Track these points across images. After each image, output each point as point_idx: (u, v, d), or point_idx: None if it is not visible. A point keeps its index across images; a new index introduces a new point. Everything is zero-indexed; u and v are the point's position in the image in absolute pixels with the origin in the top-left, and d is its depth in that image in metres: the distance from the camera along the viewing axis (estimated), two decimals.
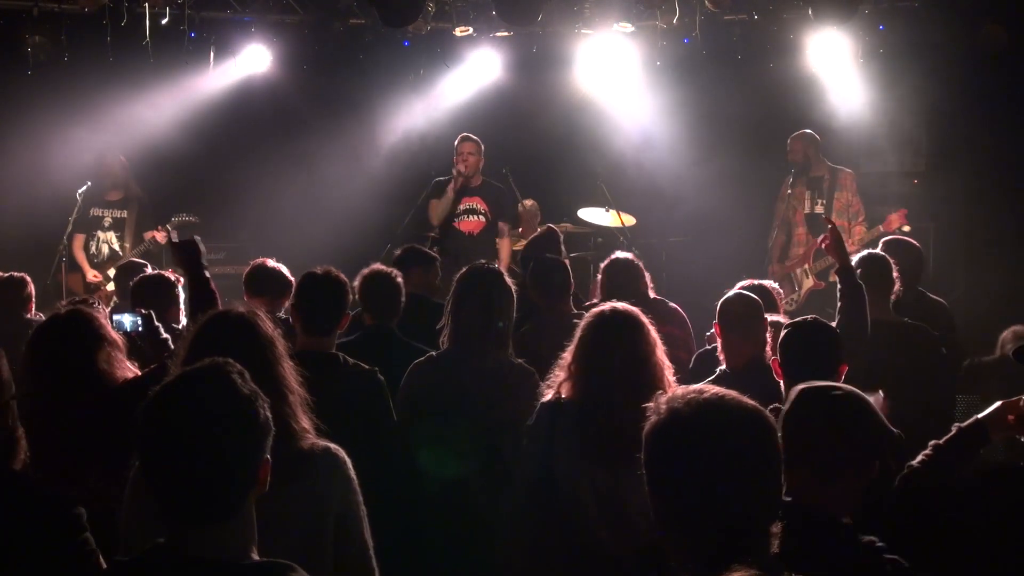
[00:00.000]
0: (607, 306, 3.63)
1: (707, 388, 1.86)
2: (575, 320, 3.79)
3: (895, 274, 5.00)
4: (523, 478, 3.54)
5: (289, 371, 2.73)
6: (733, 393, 1.86)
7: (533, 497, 3.48)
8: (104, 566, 2.37)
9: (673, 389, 3.48)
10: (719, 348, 4.27)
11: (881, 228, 7.88)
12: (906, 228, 7.60)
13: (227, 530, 1.93)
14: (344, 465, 2.73)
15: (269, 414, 1.98)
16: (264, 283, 5.35)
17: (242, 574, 1.92)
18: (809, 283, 8.19)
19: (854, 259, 5.02)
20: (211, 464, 1.89)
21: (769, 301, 4.76)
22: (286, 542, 2.56)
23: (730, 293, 4.35)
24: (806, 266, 8.16)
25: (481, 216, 8.05)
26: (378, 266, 4.90)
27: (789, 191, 8.34)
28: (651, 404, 1.91)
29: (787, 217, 8.45)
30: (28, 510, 2.33)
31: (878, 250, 5.26)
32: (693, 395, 1.85)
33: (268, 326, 2.78)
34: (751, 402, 1.86)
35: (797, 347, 3.49)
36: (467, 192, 7.97)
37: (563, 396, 3.51)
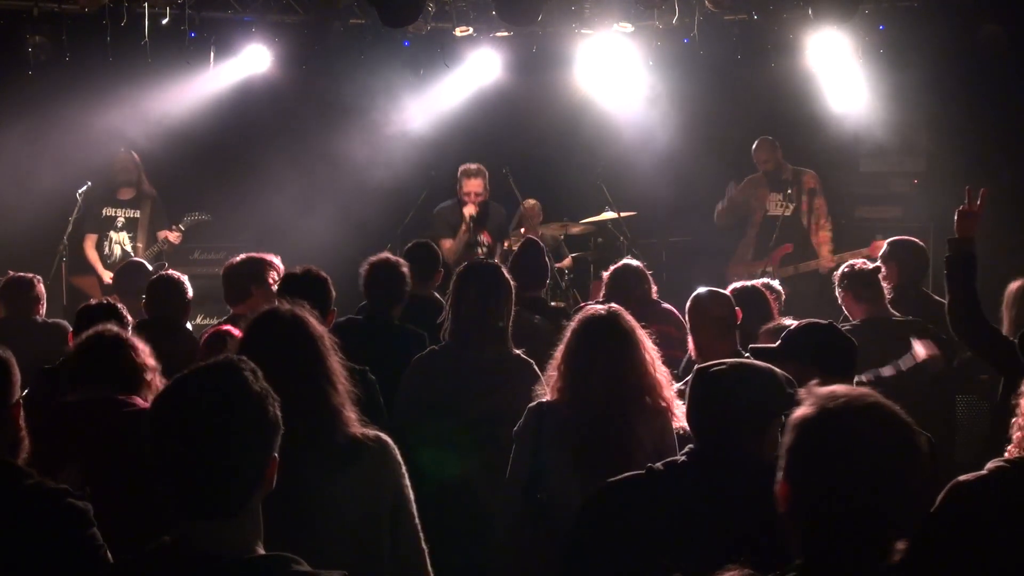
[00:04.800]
0: (594, 309, 3.63)
1: (868, 392, 1.88)
2: None
3: (871, 267, 5.24)
4: (512, 482, 3.55)
5: (338, 364, 2.84)
6: (890, 403, 1.88)
7: (523, 500, 3.50)
8: (111, 561, 2.39)
9: (668, 394, 3.51)
10: (690, 344, 4.27)
11: (867, 252, 7.93)
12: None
13: (232, 526, 1.93)
14: (394, 451, 2.83)
15: (279, 412, 1.98)
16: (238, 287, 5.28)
17: (245, 568, 1.91)
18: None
19: (835, 275, 5.32)
20: (217, 460, 1.89)
21: (762, 303, 4.74)
22: (343, 528, 2.67)
23: (700, 291, 4.32)
24: (768, 268, 8.14)
25: (484, 248, 8.15)
26: (385, 255, 5.12)
27: (751, 191, 8.59)
28: (803, 391, 1.95)
29: (741, 216, 8.64)
30: (36, 505, 2.34)
31: (881, 252, 5.52)
32: (853, 395, 1.86)
33: (316, 322, 2.88)
34: (906, 417, 1.87)
35: (837, 350, 3.46)
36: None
37: (550, 399, 3.54)
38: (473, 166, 8.05)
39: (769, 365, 2.80)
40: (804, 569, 1.85)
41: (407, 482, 2.84)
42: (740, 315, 4.28)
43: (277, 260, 5.22)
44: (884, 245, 5.82)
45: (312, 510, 2.62)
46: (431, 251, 5.87)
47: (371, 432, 2.80)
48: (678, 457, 2.71)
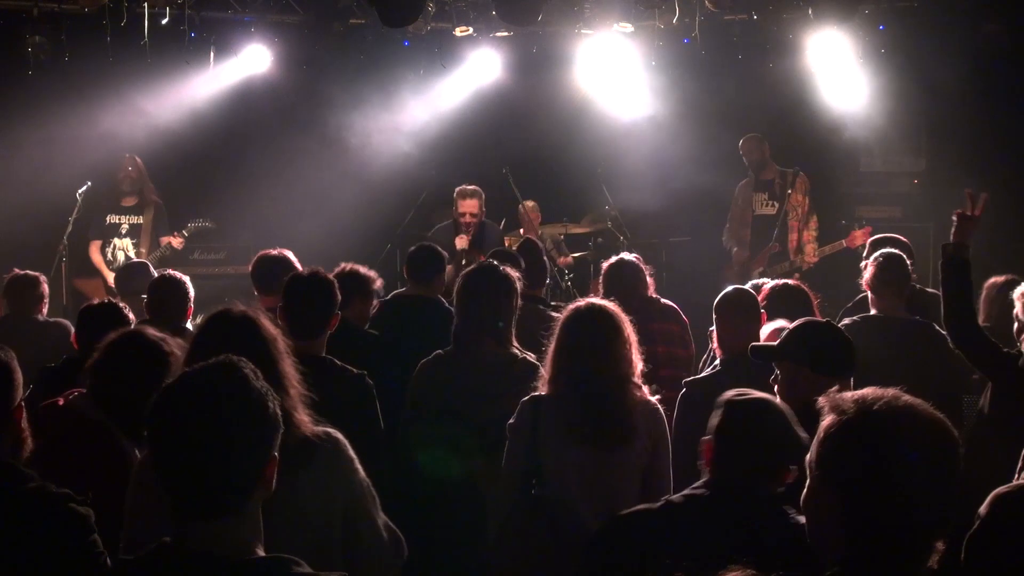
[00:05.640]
0: (577, 304, 3.69)
1: (897, 393, 1.87)
2: None
3: (905, 270, 5.10)
4: (507, 475, 3.57)
5: (290, 367, 2.84)
6: (923, 402, 1.88)
7: (520, 490, 3.51)
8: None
9: (641, 383, 3.54)
10: (715, 339, 4.34)
11: (844, 243, 7.94)
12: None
13: (232, 526, 1.93)
14: (345, 446, 2.85)
15: (279, 411, 2.00)
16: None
17: (247, 570, 1.91)
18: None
19: (867, 266, 5.17)
20: (219, 458, 1.89)
21: (805, 301, 4.72)
22: (302, 528, 2.69)
23: (728, 288, 4.40)
24: (760, 269, 8.14)
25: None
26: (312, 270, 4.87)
27: (742, 195, 8.59)
28: (824, 399, 1.93)
29: (734, 218, 8.64)
30: (38, 509, 2.33)
31: (890, 249, 5.31)
32: (887, 396, 1.86)
33: (269, 324, 2.89)
34: (940, 414, 1.87)
35: (832, 349, 3.46)
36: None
37: (543, 392, 3.57)
38: (469, 187, 7.92)
39: (781, 403, 2.80)
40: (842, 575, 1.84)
41: (362, 475, 2.87)
42: (764, 318, 4.31)
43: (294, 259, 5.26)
44: (868, 243, 5.81)
45: (270, 513, 2.61)
46: (431, 254, 5.79)
47: (320, 430, 2.81)
48: (696, 490, 2.71)
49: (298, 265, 5.20)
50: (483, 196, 7.93)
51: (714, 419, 2.75)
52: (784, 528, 2.51)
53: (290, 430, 2.68)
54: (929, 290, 5.88)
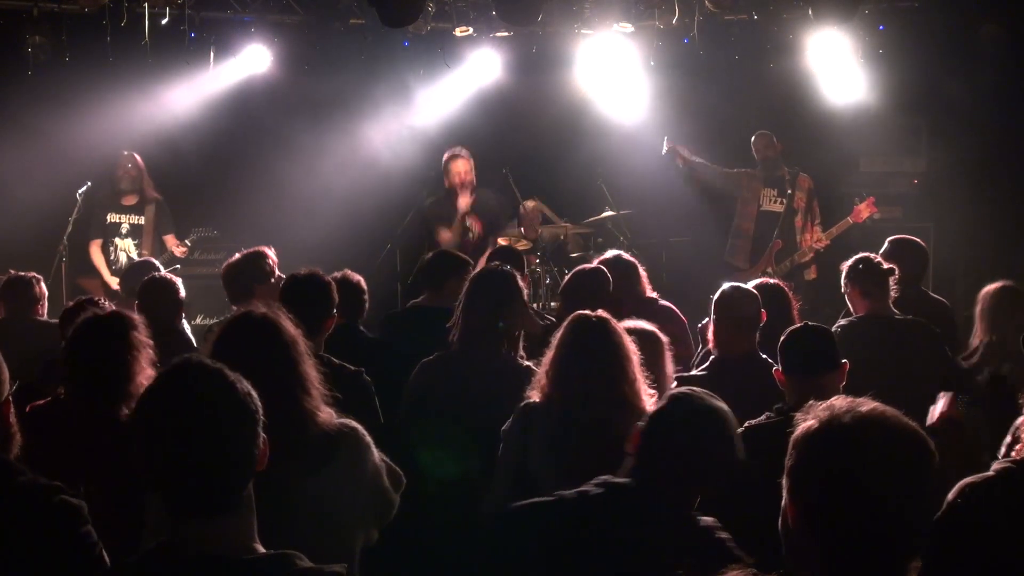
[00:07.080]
0: (581, 314, 3.60)
1: (867, 402, 1.84)
2: None
3: (886, 267, 5.04)
4: (498, 482, 3.55)
5: (311, 368, 2.85)
6: (894, 411, 1.84)
7: (514, 493, 3.49)
8: (107, 559, 2.38)
9: (644, 402, 3.48)
10: (710, 337, 4.31)
11: (850, 220, 7.93)
12: (876, 216, 7.71)
13: (230, 523, 1.92)
14: (363, 434, 2.89)
15: (257, 395, 1.99)
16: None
17: (248, 568, 1.90)
18: None
19: (845, 265, 5.14)
20: (217, 456, 1.89)
21: (784, 301, 4.70)
22: (326, 522, 2.72)
23: (727, 286, 4.34)
24: (768, 269, 8.12)
25: (473, 235, 8.06)
26: (347, 271, 4.95)
27: (746, 183, 8.53)
28: (798, 416, 1.90)
29: (711, 192, 8.67)
30: (29, 501, 2.33)
31: (881, 251, 5.34)
32: (856, 406, 1.82)
33: (290, 326, 2.88)
34: (912, 423, 1.83)
35: (797, 350, 3.48)
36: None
37: (535, 400, 3.53)
38: (458, 149, 7.98)
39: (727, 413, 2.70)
40: None
41: (377, 457, 2.92)
42: (764, 316, 4.28)
43: (272, 252, 5.22)
44: (887, 243, 5.78)
45: (296, 512, 2.62)
46: (443, 258, 5.58)
47: (336, 423, 2.84)
48: (597, 486, 2.64)
49: (270, 260, 5.17)
50: (471, 158, 7.94)
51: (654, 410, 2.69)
52: (689, 534, 2.47)
53: (311, 430, 2.75)
54: (934, 296, 5.85)
